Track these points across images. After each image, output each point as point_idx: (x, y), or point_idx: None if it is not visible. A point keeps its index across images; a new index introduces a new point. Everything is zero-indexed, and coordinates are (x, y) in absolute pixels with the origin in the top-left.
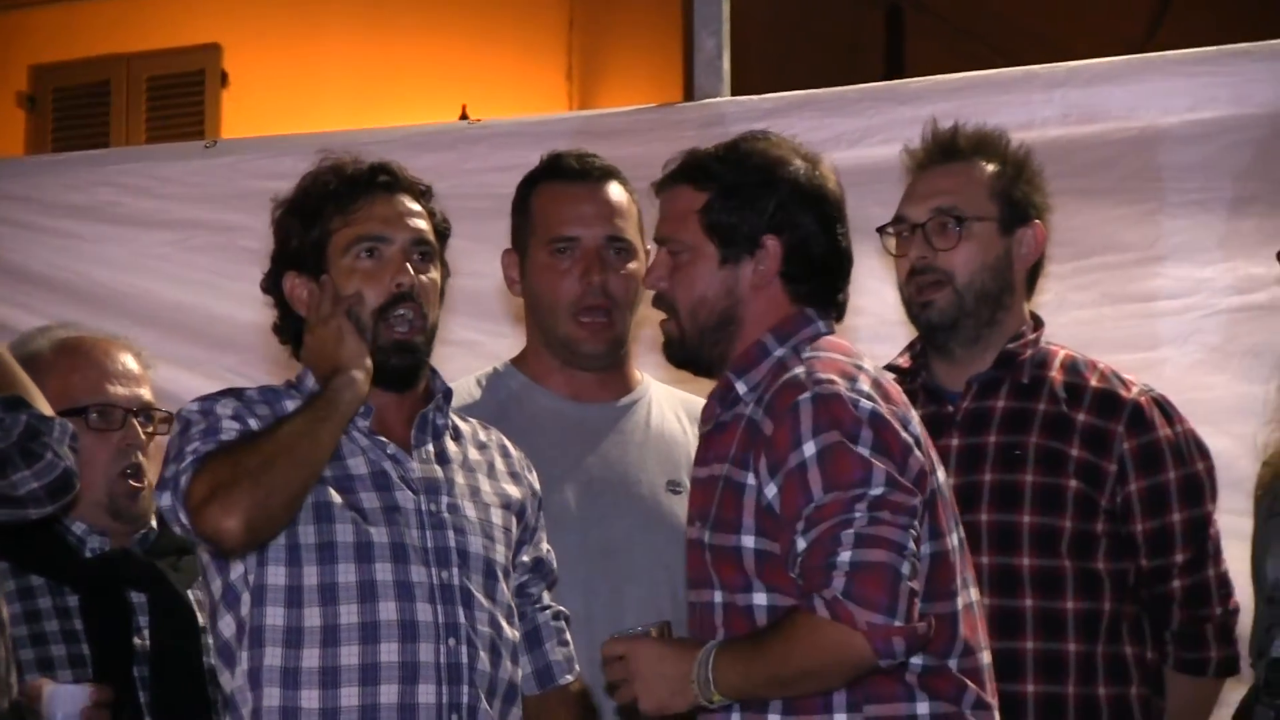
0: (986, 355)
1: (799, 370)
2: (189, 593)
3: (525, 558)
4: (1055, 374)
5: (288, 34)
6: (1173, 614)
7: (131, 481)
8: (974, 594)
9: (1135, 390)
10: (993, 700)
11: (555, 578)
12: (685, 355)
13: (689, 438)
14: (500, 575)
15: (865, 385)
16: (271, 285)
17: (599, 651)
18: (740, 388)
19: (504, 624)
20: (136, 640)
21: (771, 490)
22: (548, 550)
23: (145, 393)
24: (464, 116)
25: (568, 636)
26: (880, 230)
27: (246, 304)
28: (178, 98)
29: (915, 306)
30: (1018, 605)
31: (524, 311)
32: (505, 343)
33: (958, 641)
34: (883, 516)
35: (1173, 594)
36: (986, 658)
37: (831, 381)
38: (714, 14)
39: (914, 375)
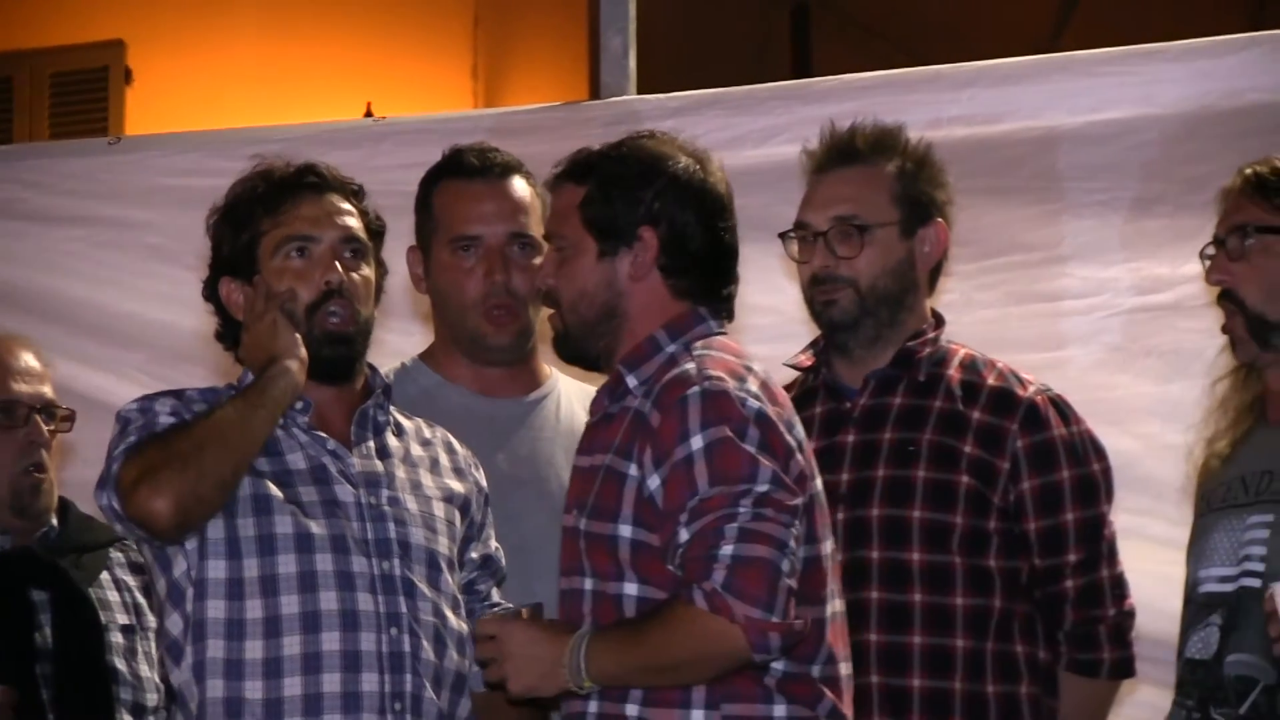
0: (886, 353)
1: (689, 366)
2: (90, 591)
3: (474, 554)
4: (953, 372)
5: (192, 31)
6: (1065, 614)
7: (35, 473)
8: (839, 605)
9: (1032, 389)
10: (848, 711)
11: (504, 575)
12: (571, 349)
13: None
14: (444, 566)
15: (753, 386)
16: (210, 293)
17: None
18: (630, 381)
19: (449, 614)
20: (38, 638)
21: (655, 482)
22: (496, 548)
23: (48, 390)
24: (369, 114)
25: None
26: (782, 236)
27: (152, 300)
28: (81, 94)
29: (817, 306)
30: (907, 600)
31: (430, 308)
32: (412, 340)
33: (823, 648)
34: (766, 513)
35: (1065, 593)
36: (846, 669)
37: (720, 379)
38: (620, 12)
39: (815, 372)
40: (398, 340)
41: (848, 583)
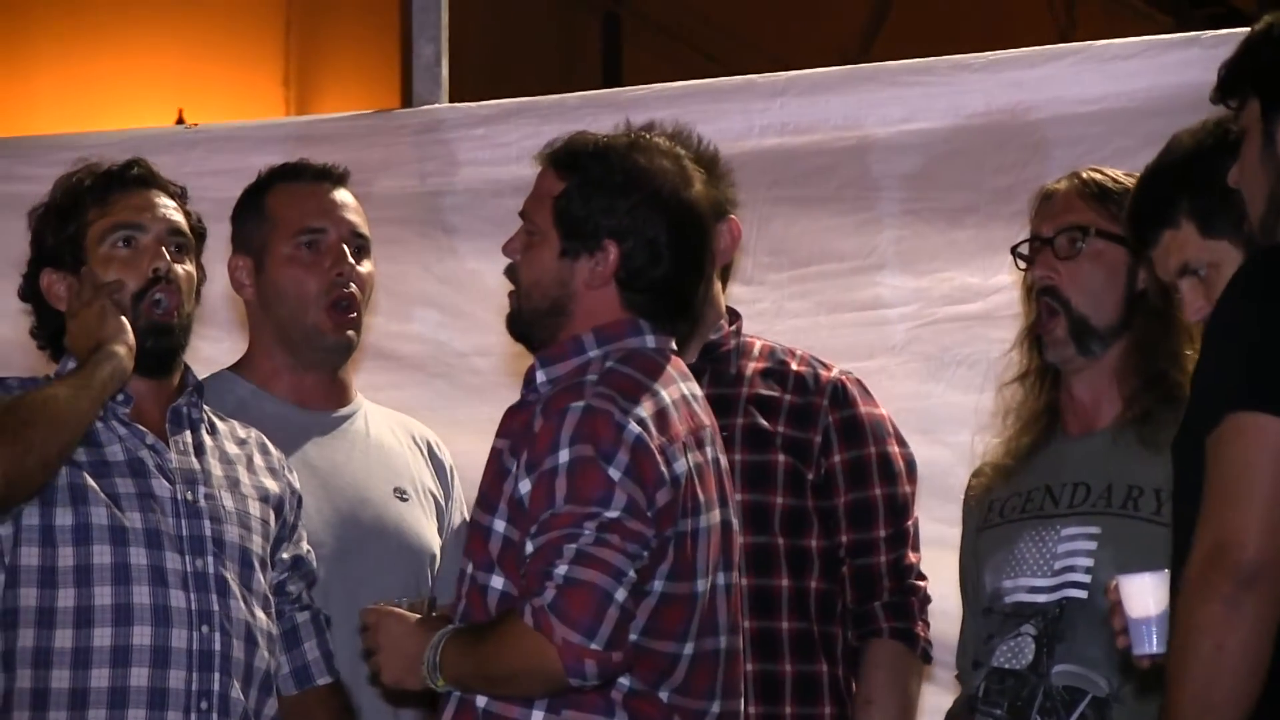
0: (689, 348)
1: (590, 378)
2: None
3: (285, 555)
4: (756, 363)
5: None
6: (882, 585)
7: None
8: (724, 641)
9: (835, 371)
10: None
11: (315, 577)
12: (519, 330)
13: (404, 449)
14: (257, 565)
15: (645, 411)
16: (28, 288)
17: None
18: (540, 376)
19: (260, 613)
20: None
21: (525, 486)
22: (308, 550)
23: None
24: (181, 121)
25: (327, 636)
26: None
27: None
28: None
29: None
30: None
31: (251, 313)
32: (221, 347)
33: (673, 679)
34: (610, 540)
35: (880, 566)
36: (718, 707)
37: (610, 398)
38: (432, 21)
39: None
40: (207, 347)
41: None
